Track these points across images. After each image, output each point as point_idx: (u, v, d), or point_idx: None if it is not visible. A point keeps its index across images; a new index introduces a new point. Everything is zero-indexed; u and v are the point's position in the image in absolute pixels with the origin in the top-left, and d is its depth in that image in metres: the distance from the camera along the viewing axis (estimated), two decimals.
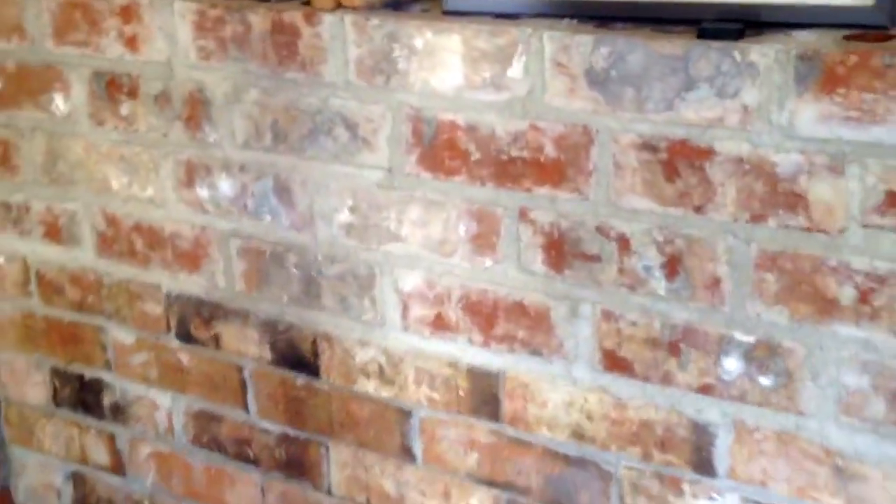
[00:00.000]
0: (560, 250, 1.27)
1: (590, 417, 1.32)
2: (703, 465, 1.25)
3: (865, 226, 1.08)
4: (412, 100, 1.31)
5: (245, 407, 1.61)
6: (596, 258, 1.25)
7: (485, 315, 1.35)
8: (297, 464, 1.59)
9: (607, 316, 1.27)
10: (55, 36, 1.57)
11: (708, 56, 1.12)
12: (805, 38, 1.09)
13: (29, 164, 1.66)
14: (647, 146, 1.18)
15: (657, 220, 1.20)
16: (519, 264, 1.31)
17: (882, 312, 1.09)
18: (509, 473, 1.40)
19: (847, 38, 1.08)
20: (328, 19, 1.34)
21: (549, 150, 1.24)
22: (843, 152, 1.07)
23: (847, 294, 1.11)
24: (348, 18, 1.33)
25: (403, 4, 1.34)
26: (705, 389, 1.23)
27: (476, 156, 1.29)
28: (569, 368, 1.31)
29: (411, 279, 1.39)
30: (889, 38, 1.07)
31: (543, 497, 1.38)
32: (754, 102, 1.11)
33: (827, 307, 1.13)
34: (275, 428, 1.59)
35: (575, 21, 1.22)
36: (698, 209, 1.17)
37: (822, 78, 1.06)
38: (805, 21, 1.12)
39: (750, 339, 1.18)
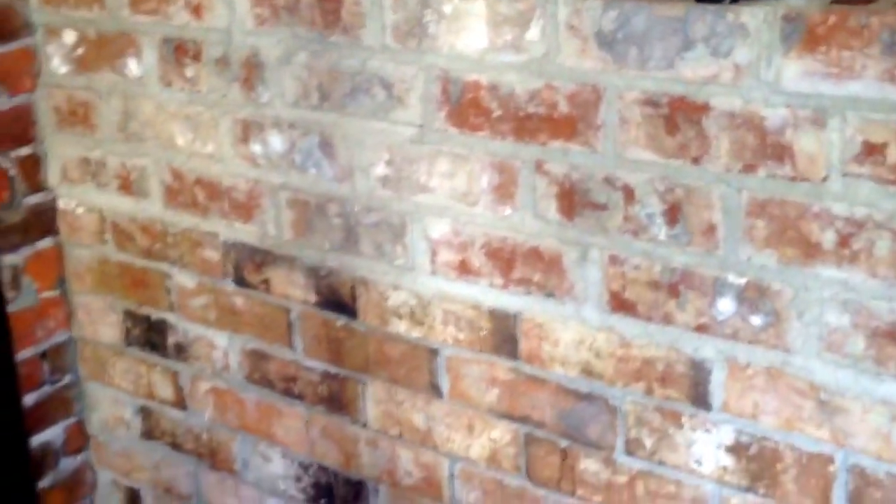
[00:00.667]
0: (571, 199, 1.36)
1: (598, 355, 1.41)
2: (700, 399, 1.33)
3: (845, 174, 1.15)
4: (441, 62, 1.42)
5: (292, 346, 1.73)
6: (603, 207, 1.34)
7: (504, 260, 1.45)
8: (337, 399, 1.71)
9: (613, 260, 1.35)
10: (130, 5, 1.71)
11: (704, 18, 1.20)
12: (794, 2, 1.16)
13: (106, 122, 1.80)
14: (650, 102, 1.26)
15: (659, 171, 1.28)
16: (535, 213, 1.40)
17: (860, 255, 1.16)
18: (526, 408, 1.50)
19: (835, 1, 1.15)
20: None
21: (563, 107, 1.33)
22: (825, 106, 1.14)
23: (829, 238, 1.18)
24: None
25: None
26: (702, 328, 1.31)
27: (497, 113, 1.39)
28: (579, 309, 1.40)
29: (439, 227, 1.49)
30: (874, 0, 1.14)
31: (557, 429, 1.47)
32: (745, 61, 1.18)
33: (811, 251, 1.20)
34: (318, 366, 1.71)
35: None
36: (695, 160, 1.25)
37: (804, 37, 1.13)
38: None
39: (741, 281, 1.26)
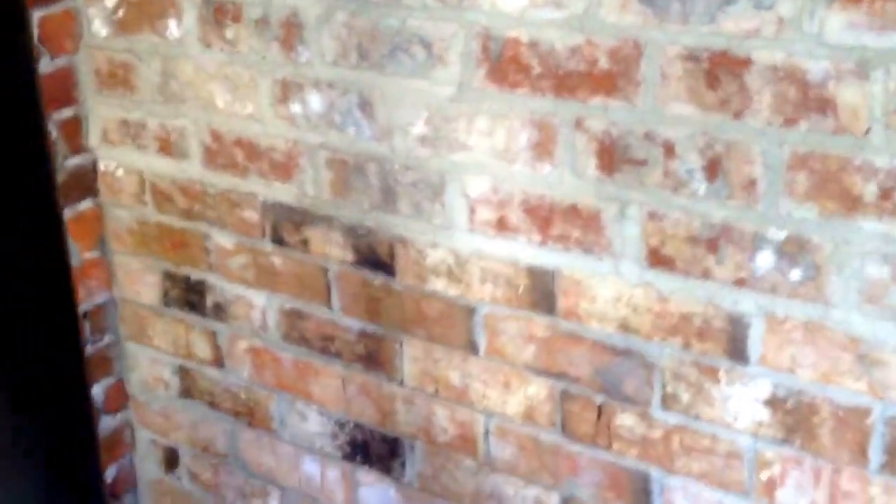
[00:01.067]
0: (611, 156, 1.36)
1: (635, 311, 1.40)
2: (737, 353, 1.33)
3: (888, 127, 1.14)
4: (481, 19, 1.41)
5: (329, 305, 1.74)
6: (643, 162, 1.33)
7: (542, 217, 1.45)
8: (374, 357, 1.71)
9: (652, 216, 1.35)
10: None
11: None
12: None
13: (146, 84, 1.81)
14: (691, 57, 1.25)
15: (699, 126, 1.27)
16: (573, 170, 1.40)
17: None
18: (562, 364, 1.50)
19: None
20: None
21: (603, 63, 1.32)
22: (868, 58, 1.13)
23: (870, 191, 1.17)
24: None
25: None
26: (740, 283, 1.30)
27: (537, 70, 1.38)
28: (617, 265, 1.40)
29: (477, 185, 1.49)
30: None
31: (593, 385, 1.48)
32: (788, 13, 1.17)
33: (852, 204, 1.19)
34: (355, 325, 1.72)
35: None
36: (737, 115, 1.24)
37: None
38: None
39: (781, 235, 1.25)
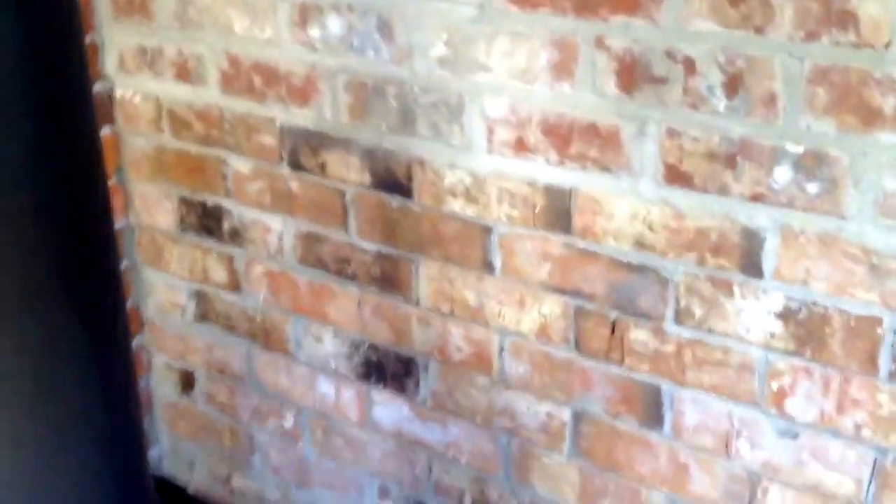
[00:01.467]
0: (631, 74, 1.36)
1: (651, 228, 1.41)
2: (752, 267, 1.34)
3: None
4: None
5: (346, 228, 1.74)
6: (663, 80, 1.33)
7: (561, 136, 1.45)
8: (390, 279, 1.72)
9: (671, 133, 1.35)
10: None
11: None
12: None
13: (163, 10, 1.79)
14: None
15: (721, 42, 1.27)
16: (594, 88, 1.39)
17: None
18: (578, 282, 1.51)
19: None
20: None
21: None
22: None
23: (889, 104, 1.17)
24: None
25: None
26: (757, 198, 1.31)
27: None
28: (634, 183, 1.40)
29: (497, 106, 1.49)
30: None
31: (607, 302, 1.49)
32: None
33: (870, 117, 1.19)
34: (371, 247, 1.72)
35: None
36: (758, 30, 1.24)
37: None
38: None
39: (800, 149, 1.26)
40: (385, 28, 1.56)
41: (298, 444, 1.97)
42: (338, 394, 1.88)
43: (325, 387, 1.89)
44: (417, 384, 1.76)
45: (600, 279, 1.48)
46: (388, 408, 1.81)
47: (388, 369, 1.79)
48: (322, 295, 1.82)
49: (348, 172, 1.69)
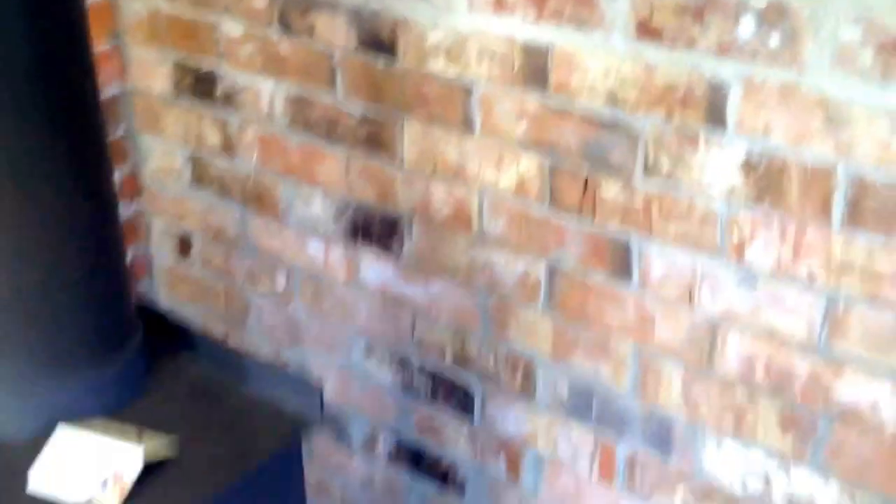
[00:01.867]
0: None
1: (623, 83, 1.47)
2: (716, 119, 1.40)
3: None
4: None
5: (334, 91, 1.80)
6: None
7: None
8: (375, 140, 1.79)
9: None
10: None
11: None
12: None
13: None
14: None
15: None
16: None
17: None
18: (553, 139, 1.57)
19: None
20: None
21: None
22: None
23: None
24: None
25: None
26: (722, 51, 1.36)
27: None
28: (607, 38, 1.46)
29: None
30: None
31: (580, 158, 1.55)
32: None
33: None
34: (358, 109, 1.78)
35: None
36: None
37: None
38: None
39: (763, 2, 1.30)
40: None
41: (290, 304, 2.06)
42: (326, 255, 1.96)
43: (315, 248, 1.97)
44: (402, 244, 1.84)
45: (574, 136, 1.55)
46: (374, 267, 1.90)
47: (374, 229, 1.87)
48: (311, 157, 1.89)
49: (336, 34, 1.75)
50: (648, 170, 1.49)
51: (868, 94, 1.26)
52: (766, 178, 1.39)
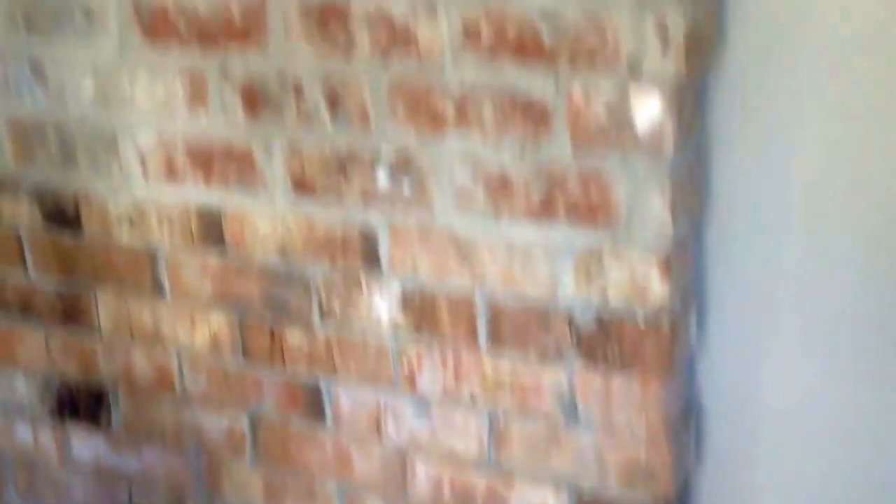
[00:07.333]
0: (254, 99, 1.70)
1: (290, 236, 1.75)
2: (373, 262, 1.70)
3: (455, 55, 1.53)
4: None
5: (25, 268, 2.00)
6: (279, 103, 1.68)
7: (204, 160, 1.77)
8: (72, 314, 1.99)
9: (293, 149, 1.70)
10: None
11: None
12: None
13: None
14: (306, 8, 1.61)
15: (319, 67, 1.63)
16: (225, 115, 1.73)
17: (473, 120, 1.55)
18: (237, 293, 1.83)
19: None
20: None
21: (238, 17, 1.67)
22: (434, 4, 1.52)
23: (450, 109, 1.56)
24: None
25: None
26: (367, 200, 1.67)
27: (184, 28, 1.71)
28: (271, 197, 1.74)
29: (146, 137, 1.81)
30: None
31: (264, 308, 1.81)
32: None
33: (439, 122, 1.57)
34: (51, 284, 1.99)
35: None
36: (346, 55, 1.61)
37: None
38: None
39: (392, 155, 1.63)
40: (38, 72, 1.85)
41: (3, 495, 2.18)
42: (36, 437, 2.12)
43: (23, 432, 2.12)
44: (110, 415, 2.03)
45: (256, 289, 1.81)
46: (85, 443, 2.07)
47: (81, 404, 2.05)
48: (9, 338, 2.07)
49: (21, 213, 1.97)
50: (324, 314, 1.77)
51: (487, 228, 1.59)
52: (421, 312, 1.68)
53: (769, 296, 1.59)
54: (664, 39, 1.38)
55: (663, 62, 1.38)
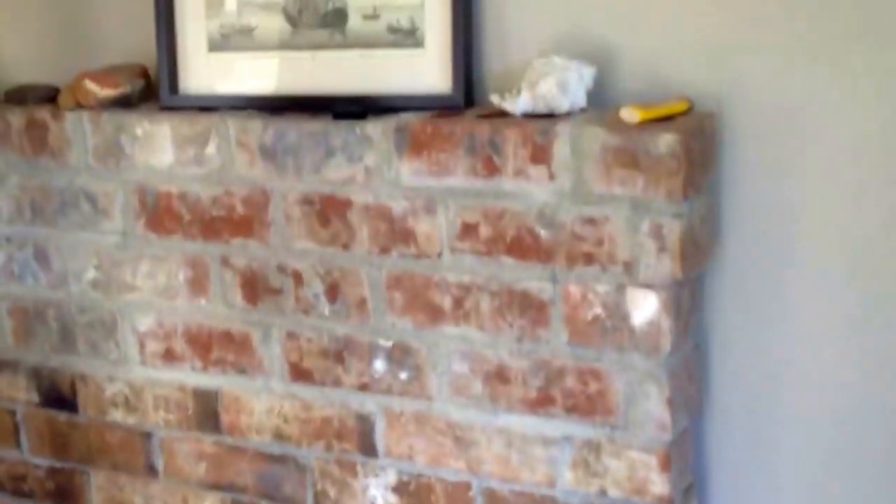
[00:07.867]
0: (253, 287, 1.75)
1: (286, 420, 1.78)
2: (368, 448, 1.72)
3: (453, 249, 1.59)
4: (137, 176, 1.79)
5: (19, 446, 2.01)
6: (279, 291, 1.73)
7: (202, 345, 1.81)
8: (64, 492, 1.99)
9: (290, 336, 1.74)
10: None
11: (339, 132, 1.63)
12: (406, 117, 1.62)
13: None
14: (306, 201, 1.68)
15: (318, 258, 1.69)
16: (224, 301, 1.78)
17: (471, 313, 1.59)
18: (230, 476, 1.84)
19: (434, 116, 1.61)
20: (70, 116, 1.82)
21: (240, 209, 1.73)
22: (433, 197, 1.59)
23: (447, 302, 1.61)
24: (85, 115, 1.81)
25: (131, 102, 1.84)
26: (363, 387, 1.70)
27: (188, 217, 1.77)
28: (267, 381, 1.78)
29: (145, 321, 1.84)
30: (463, 112, 1.61)
31: (258, 492, 1.82)
32: (373, 164, 1.62)
33: (436, 313, 1.62)
34: (44, 462, 2.00)
35: (251, 111, 1.73)
36: (345, 246, 1.67)
37: (411, 144, 1.58)
38: (411, 105, 1.65)
39: (389, 343, 1.67)
40: (41, 257, 1.90)
41: None
42: None
43: None
44: None
45: (249, 471, 1.82)
46: None
47: None
48: None
49: (17, 392, 1.99)
50: (318, 498, 1.78)
51: (484, 417, 1.62)
52: (416, 498, 1.70)
53: (771, 484, 1.61)
54: (660, 242, 1.44)
55: (659, 263, 1.44)
